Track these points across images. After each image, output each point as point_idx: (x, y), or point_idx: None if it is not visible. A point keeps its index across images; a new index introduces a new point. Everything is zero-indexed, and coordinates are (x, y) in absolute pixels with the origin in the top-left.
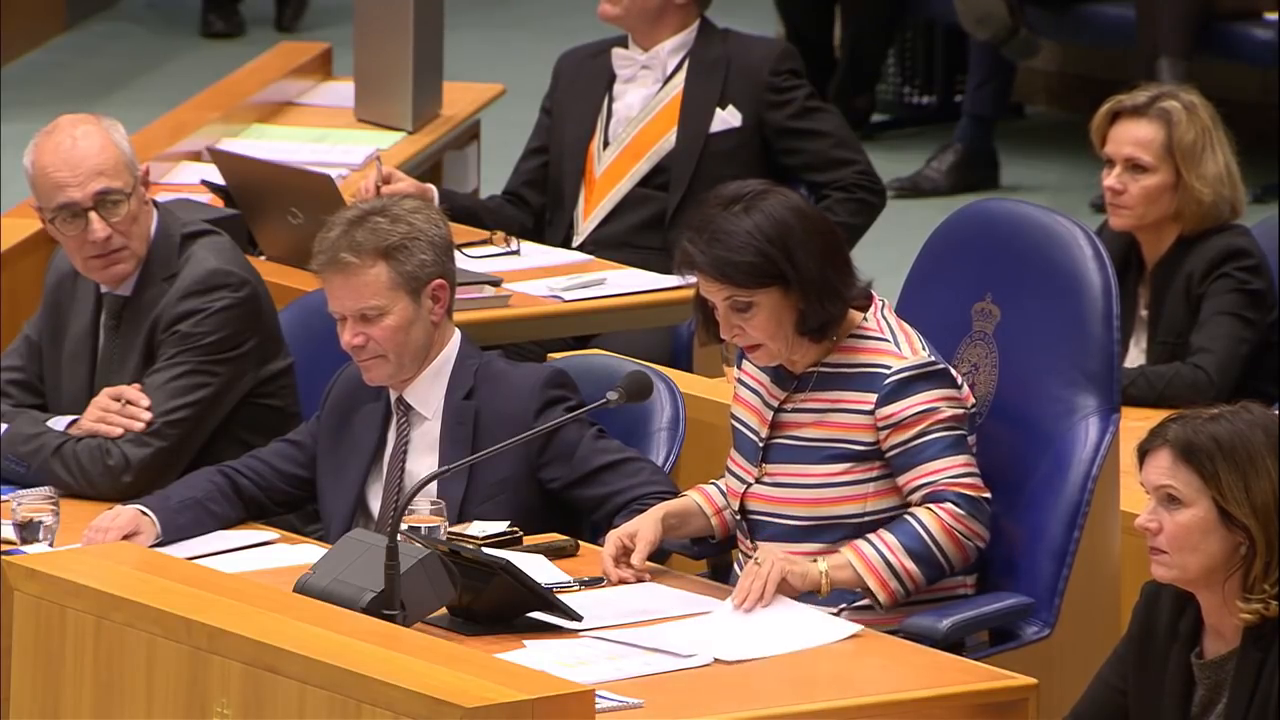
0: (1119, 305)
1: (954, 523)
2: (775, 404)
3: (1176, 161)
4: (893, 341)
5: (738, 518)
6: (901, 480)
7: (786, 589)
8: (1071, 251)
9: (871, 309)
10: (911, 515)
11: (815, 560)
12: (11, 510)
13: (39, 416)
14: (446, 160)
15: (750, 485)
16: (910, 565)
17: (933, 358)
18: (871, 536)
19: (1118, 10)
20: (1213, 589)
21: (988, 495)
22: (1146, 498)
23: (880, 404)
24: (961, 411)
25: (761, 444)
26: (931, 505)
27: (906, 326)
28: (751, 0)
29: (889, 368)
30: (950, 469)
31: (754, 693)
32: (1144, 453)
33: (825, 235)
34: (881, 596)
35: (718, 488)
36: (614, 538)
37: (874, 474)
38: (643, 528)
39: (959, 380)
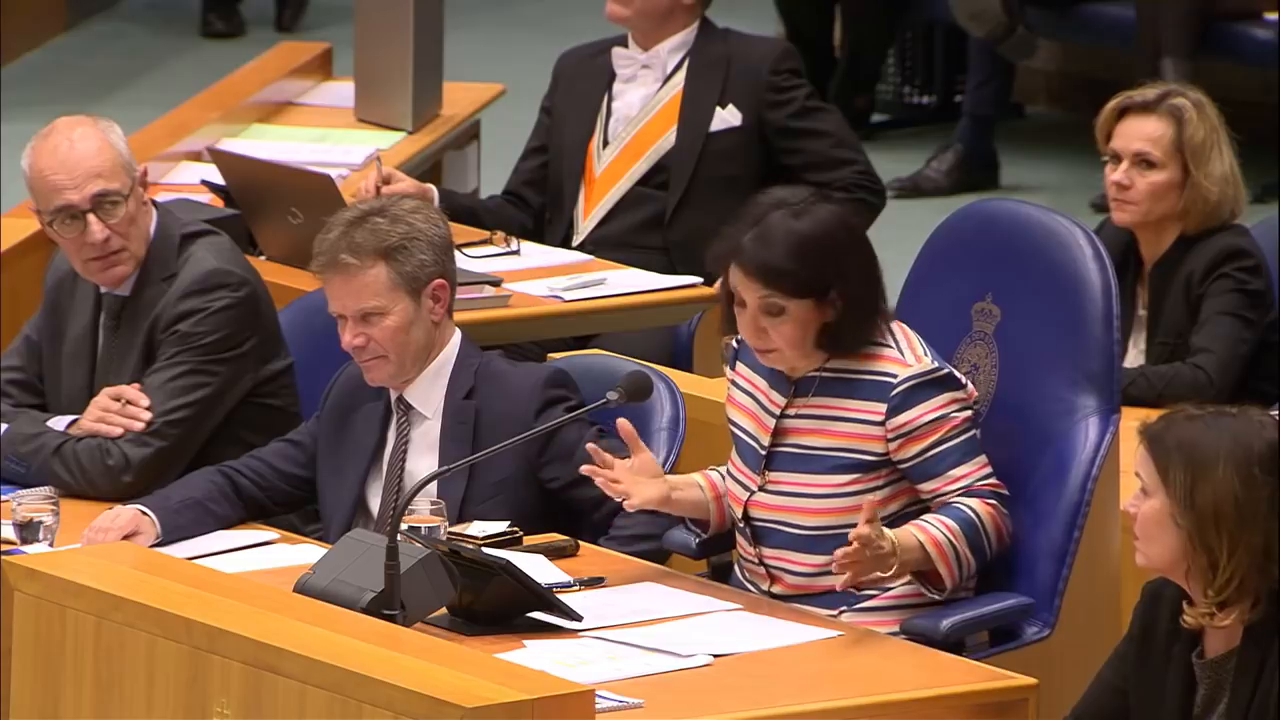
0: (1119, 305)
1: (999, 517)
2: (776, 411)
3: (1185, 159)
4: (896, 348)
5: (740, 525)
6: (926, 487)
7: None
8: (1071, 251)
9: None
10: (963, 504)
11: (893, 554)
12: (11, 510)
13: (39, 416)
14: (446, 160)
15: (753, 493)
16: (967, 552)
17: (936, 363)
18: (933, 520)
19: (1118, 10)
20: (1182, 583)
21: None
22: None
23: (891, 414)
24: (970, 412)
25: (764, 452)
26: (976, 498)
27: (907, 329)
28: (751, 0)
29: (895, 376)
30: (977, 471)
31: (754, 692)
32: (1139, 437)
33: (868, 251)
34: (948, 581)
35: (720, 475)
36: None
37: (880, 483)
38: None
39: (962, 379)
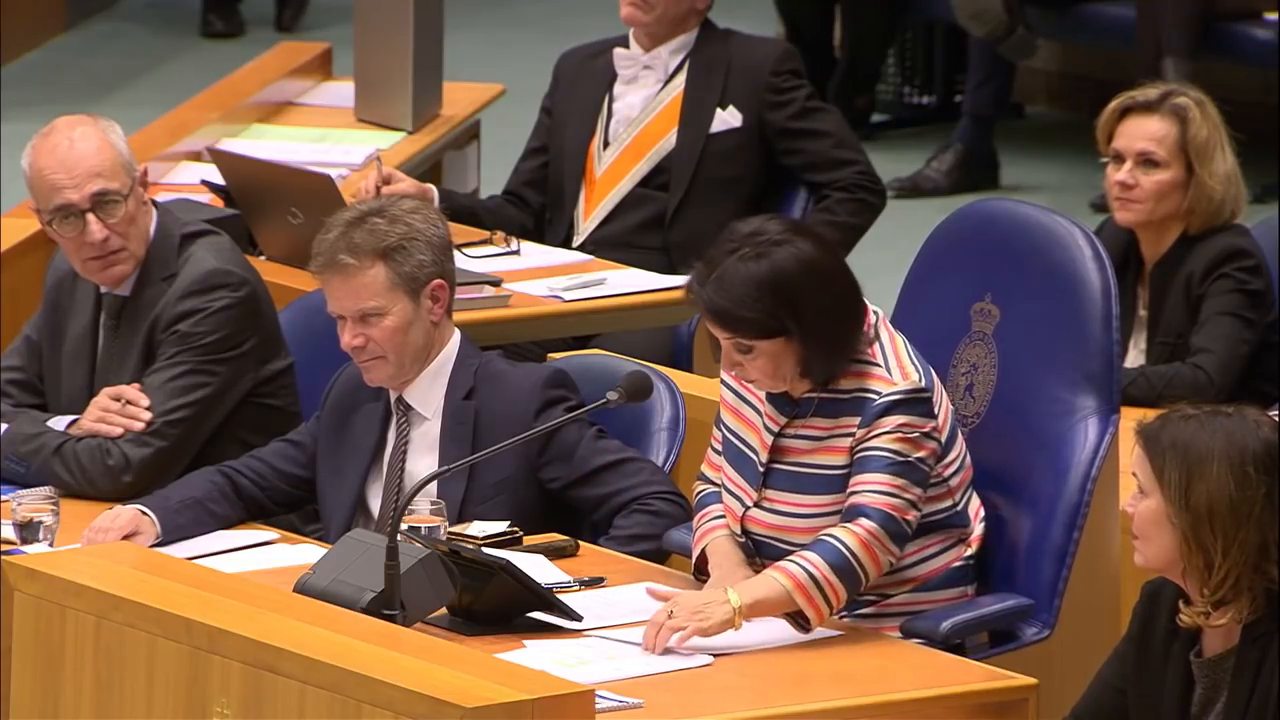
0: (1118, 305)
1: (869, 537)
2: (775, 429)
3: (1189, 158)
4: (884, 366)
5: (740, 539)
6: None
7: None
8: (1071, 252)
9: (865, 326)
10: (828, 535)
11: (726, 599)
12: (11, 510)
13: (39, 416)
14: (446, 160)
15: (749, 509)
16: (835, 580)
17: (921, 382)
18: (797, 556)
19: (1118, 10)
20: (1180, 582)
21: (910, 519)
22: None
23: (859, 427)
24: (919, 438)
25: (763, 469)
26: (848, 524)
27: (898, 341)
28: (751, 0)
29: (879, 394)
30: (880, 485)
31: (754, 692)
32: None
33: (837, 289)
34: (811, 616)
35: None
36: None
37: None
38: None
39: (934, 409)
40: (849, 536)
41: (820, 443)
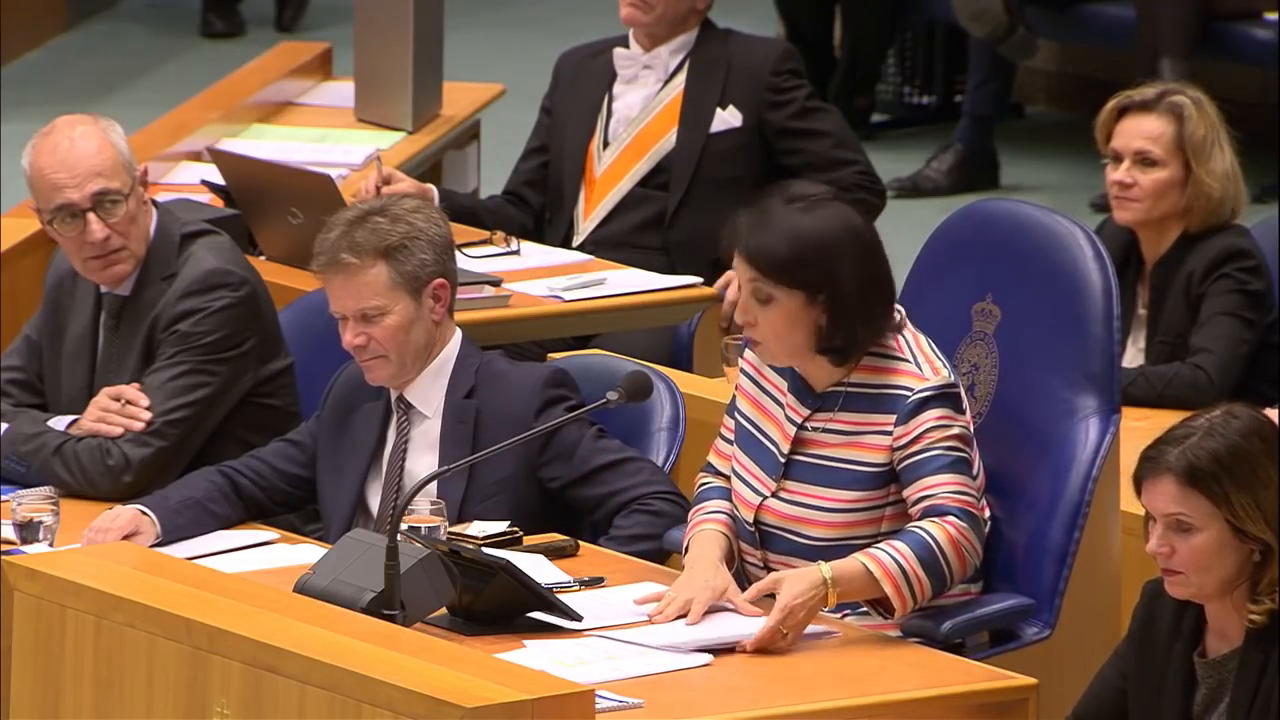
0: (1119, 305)
1: (959, 536)
2: (799, 420)
3: (1187, 156)
4: (914, 362)
5: (750, 528)
6: (905, 494)
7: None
8: (1071, 251)
9: (891, 315)
10: (919, 527)
11: (823, 582)
12: (11, 510)
13: (39, 416)
14: (446, 160)
15: (766, 498)
16: (922, 575)
17: (951, 378)
18: (885, 546)
19: (1118, 10)
20: (1224, 597)
21: (986, 515)
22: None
23: (897, 424)
24: (963, 432)
25: (783, 460)
26: (936, 519)
27: (921, 339)
28: (751, 0)
29: (912, 390)
30: (950, 485)
31: (754, 693)
32: (1142, 479)
33: (875, 261)
34: (896, 604)
35: (728, 507)
36: (704, 604)
37: (892, 498)
38: (729, 587)
39: (964, 403)
40: (938, 531)
41: (850, 437)
